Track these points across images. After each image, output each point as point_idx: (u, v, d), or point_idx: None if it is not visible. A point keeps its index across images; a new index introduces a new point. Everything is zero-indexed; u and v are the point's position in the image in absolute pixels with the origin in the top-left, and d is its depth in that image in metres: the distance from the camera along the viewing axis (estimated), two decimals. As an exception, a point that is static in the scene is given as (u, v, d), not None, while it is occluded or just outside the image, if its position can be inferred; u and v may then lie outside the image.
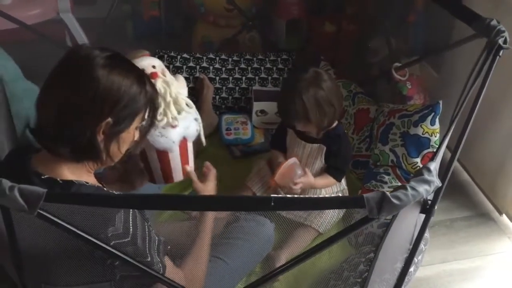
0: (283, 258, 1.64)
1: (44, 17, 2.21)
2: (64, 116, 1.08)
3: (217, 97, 2.27)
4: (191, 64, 2.24)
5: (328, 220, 1.72)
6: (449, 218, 1.97)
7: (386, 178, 1.83)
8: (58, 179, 1.09)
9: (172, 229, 1.51)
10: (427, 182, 0.98)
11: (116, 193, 1.15)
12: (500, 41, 1.39)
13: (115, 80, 1.09)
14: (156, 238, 1.15)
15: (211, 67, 2.26)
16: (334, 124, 1.72)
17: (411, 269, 1.54)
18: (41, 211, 0.92)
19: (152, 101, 1.19)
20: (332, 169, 1.72)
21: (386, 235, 1.09)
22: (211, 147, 2.11)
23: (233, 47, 2.51)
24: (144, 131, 1.24)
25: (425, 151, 1.78)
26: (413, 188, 0.96)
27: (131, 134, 1.17)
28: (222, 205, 0.99)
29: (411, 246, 1.38)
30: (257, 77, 2.29)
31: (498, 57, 1.38)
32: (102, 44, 1.16)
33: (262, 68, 2.30)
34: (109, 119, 1.09)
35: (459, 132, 1.33)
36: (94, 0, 2.75)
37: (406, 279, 1.45)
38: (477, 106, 1.34)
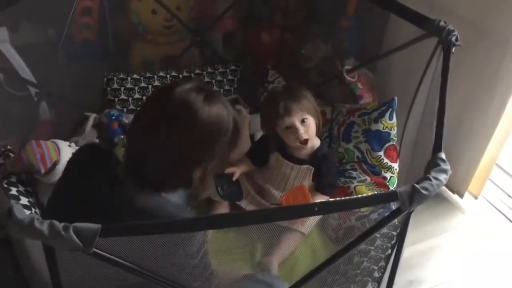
0: (275, 263, 1.69)
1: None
2: (167, 160, 1.14)
3: (173, 114, 2.28)
4: (142, 84, 2.22)
5: (311, 221, 1.79)
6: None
7: (354, 173, 1.95)
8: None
9: None
10: (445, 171, 1.09)
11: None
12: (453, 39, 1.56)
13: (213, 119, 1.14)
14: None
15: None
16: (318, 143, 1.81)
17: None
18: (96, 250, 0.90)
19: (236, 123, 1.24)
20: (325, 186, 1.80)
21: (407, 227, 1.18)
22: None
23: (173, 63, 2.52)
24: None
25: (387, 144, 1.93)
26: (436, 178, 1.07)
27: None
28: (270, 217, 1.02)
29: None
30: (209, 91, 2.33)
31: (451, 53, 1.56)
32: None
33: (213, 81, 2.34)
34: (210, 159, 1.15)
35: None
36: (16, 27, 2.61)
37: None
38: (446, 99, 1.48)
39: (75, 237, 0.88)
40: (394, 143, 1.93)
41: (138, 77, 2.24)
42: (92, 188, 1.15)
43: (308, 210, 1.01)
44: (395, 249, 1.46)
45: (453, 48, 1.56)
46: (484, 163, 2.06)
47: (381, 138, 1.93)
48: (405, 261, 1.88)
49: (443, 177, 1.08)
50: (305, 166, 1.78)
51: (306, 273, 1.70)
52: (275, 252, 1.72)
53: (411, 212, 1.41)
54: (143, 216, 1.09)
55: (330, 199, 1.02)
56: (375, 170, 1.93)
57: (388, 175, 1.91)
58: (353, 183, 1.92)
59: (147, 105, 1.19)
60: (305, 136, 1.72)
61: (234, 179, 1.81)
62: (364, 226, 1.69)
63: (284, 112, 1.69)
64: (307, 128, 1.72)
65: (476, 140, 2.02)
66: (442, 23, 1.62)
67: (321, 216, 1.82)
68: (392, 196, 1.03)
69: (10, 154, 1.81)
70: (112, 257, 0.93)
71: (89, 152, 1.25)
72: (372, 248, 1.59)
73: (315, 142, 1.80)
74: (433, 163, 1.11)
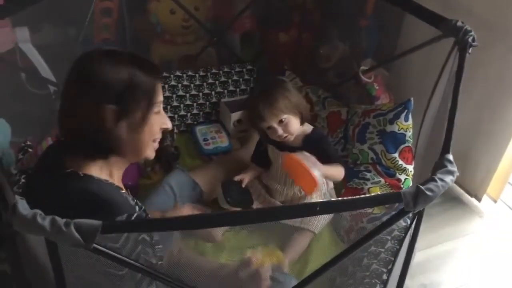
0: (286, 262, 1.69)
1: (1, 49, 2.12)
2: (80, 119, 1.16)
3: (189, 114, 2.29)
4: (159, 84, 2.24)
5: (322, 221, 1.79)
6: (427, 205, 2.11)
7: (368, 175, 1.93)
8: (80, 173, 1.15)
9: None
10: (451, 172, 1.07)
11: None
12: (470, 39, 1.53)
13: (105, 70, 1.14)
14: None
15: (179, 85, 2.27)
16: (310, 129, 1.81)
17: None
18: (96, 245, 0.92)
19: (152, 84, 1.21)
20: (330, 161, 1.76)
21: (418, 229, 1.17)
22: (189, 159, 2.17)
23: (191, 63, 2.53)
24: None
25: (402, 146, 1.90)
26: (441, 180, 1.04)
27: (145, 122, 1.20)
28: (269, 216, 1.02)
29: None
30: (225, 91, 2.34)
31: (468, 54, 1.53)
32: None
33: (230, 80, 2.35)
34: (113, 106, 1.13)
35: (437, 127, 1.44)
36: (39, 27, 2.67)
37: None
38: (458, 101, 1.45)
39: (75, 233, 0.89)
40: (410, 144, 1.90)
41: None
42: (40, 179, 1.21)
43: (308, 210, 1.00)
44: (406, 251, 1.45)
45: (470, 49, 1.53)
46: (504, 166, 2.02)
47: (396, 140, 1.90)
48: (420, 264, 1.86)
49: (449, 178, 1.05)
50: (298, 153, 1.77)
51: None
52: (286, 251, 1.72)
53: (422, 214, 1.40)
54: (87, 200, 1.11)
55: (332, 199, 1.00)
56: (390, 172, 1.90)
57: (402, 177, 1.88)
58: (366, 184, 1.90)
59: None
60: (284, 135, 1.74)
61: (243, 185, 1.82)
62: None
63: (260, 118, 1.72)
64: (286, 127, 1.73)
65: (495, 142, 1.98)
66: (459, 23, 1.59)
67: (332, 215, 1.83)
68: (396, 197, 1.01)
69: (29, 149, 1.86)
70: (112, 253, 0.94)
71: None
72: (383, 250, 1.57)
73: (305, 128, 1.80)
74: (440, 164, 1.09)
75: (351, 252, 1.09)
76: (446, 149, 1.15)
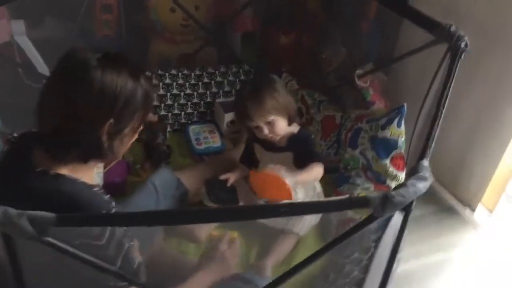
0: (269, 266, 1.66)
1: (-1, 41, 2.13)
2: (66, 123, 1.10)
3: (183, 113, 2.28)
4: (154, 81, 2.23)
5: (307, 223, 1.75)
6: (418, 214, 2.06)
7: (358, 180, 1.89)
8: (51, 172, 1.11)
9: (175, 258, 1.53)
10: (425, 178, 1.03)
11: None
12: (462, 45, 1.49)
13: (108, 80, 1.09)
14: (136, 260, 1.14)
15: (174, 83, 2.26)
16: (296, 129, 1.79)
17: (394, 265, 1.61)
18: (49, 238, 0.90)
19: (147, 96, 1.18)
20: (308, 161, 1.73)
21: (383, 235, 1.14)
22: (181, 158, 2.16)
23: (190, 62, 2.52)
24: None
25: (394, 152, 1.85)
26: (413, 185, 1.01)
27: (134, 130, 1.19)
28: (230, 216, 0.99)
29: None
30: (221, 91, 2.32)
31: (460, 60, 1.49)
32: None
33: (225, 81, 2.33)
34: (111, 120, 1.10)
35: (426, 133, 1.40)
36: (41, 22, 2.68)
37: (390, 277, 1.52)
38: (445, 107, 1.41)
39: (28, 225, 0.87)
40: (402, 151, 1.86)
41: (149, 74, 2.24)
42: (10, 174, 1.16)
43: (274, 211, 0.97)
44: (388, 258, 1.41)
45: (463, 55, 1.49)
46: (500, 175, 1.96)
47: (388, 146, 1.86)
48: (410, 274, 1.82)
49: (422, 185, 1.02)
50: (284, 153, 1.76)
51: (301, 278, 1.70)
52: (269, 254, 1.69)
53: (406, 221, 1.36)
54: (63, 203, 1.08)
55: (298, 201, 0.97)
56: (381, 178, 1.86)
57: (393, 184, 1.84)
58: (356, 190, 1.86)
59: (50, 75, 1.16)
60: (270, 135, 1.73)
61: (228, 184, 1.80)
62: (361, 236, 1.64)
63: (247, 117, 1.70)
64: (272, 128, 1.72)
65: (491, 149, 1.93)
66: (452, 28, 1.54)
67: (318, 220, 1.79)
68: (364, 201, 0.98)
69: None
70: (66, 247, 0.92)
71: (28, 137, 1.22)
72: (366, 257, 1.53)
73: (292, 129, 1.78)
74: (414, 170, 1.05)
75: (319, 255, 1.07)
76: (422, 155, 1.12)
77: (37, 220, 0.88)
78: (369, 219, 1.01)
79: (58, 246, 0.91)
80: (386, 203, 0.97)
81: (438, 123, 1.34)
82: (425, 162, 1.07)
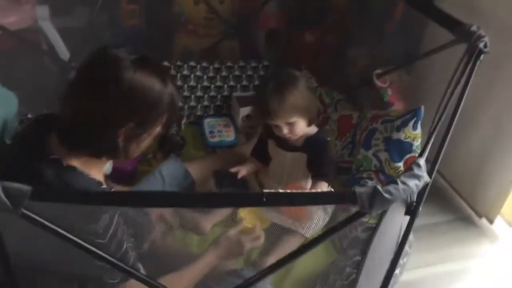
0: (270, 263, 1.62)
1: (20, 25, 2.17)
2: (88, 117, 1.10)
3: (199, 105, 2.27)
4: (172, 72, 2.23)
5: (314, 225, 1.71)
6: (432, 222, 1.99)
7: (369, 183, 1.84)
8: (63, 162, 1.10)
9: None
10: (417, 176, 0.98)
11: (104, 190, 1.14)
12: (481, 45, 1.42)
13: (137, 84, 1.09)
14: (132, 257, 1.14)
15: (192, 75, 2.25)
16: (314, 130, 1.74)
17: (397, 271, 1.55)
18: (25, 211, 0.89)
19: (173, 102, 1.18)
20: (320, 176, 1.71)
21: (374, 236, 1.10)
22: (194, 150, 2.15)
23: (213, 56, 2.51)
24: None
25: (407, 156, 1.80)
26: (403, 183, 0.96)
27: (152, 135, 1.19)
28: (215, 202, 0.97)
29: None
30: (238, 85, 2.30)
31: (479, 61, 1.42)
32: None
33: (244, 75, 2.31)
34: (132, 123, 1.11)
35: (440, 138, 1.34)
36: (70, 10, 2.72)
37: (391, 281, 1.46)
38: (459, 111, 1.35)
39: (3, 196, 0.87)
40: (416, 155, 1.79)
41: (168, 65, 2.24)
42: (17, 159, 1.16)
43: (255, 199, 0.94)
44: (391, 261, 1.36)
45: (481, 56, 1.42)
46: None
47: (402, 149, 1.80)
48: (416, 282, 1.75)
49: (413, 183, 0.97)
50: (299, 153, 1.73)
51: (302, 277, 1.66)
52: (272, 252, 1.66)
53: (411, 225, 1.31)
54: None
55: (281, 191, 0.94)
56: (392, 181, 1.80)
57: (405, 188, 1.77)
58: (366, 192, 1.80)
59: (81, 67, 1.15)
60: (289, 135, 1.69)
61: (239, 177, 1.77)
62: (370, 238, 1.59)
63: (269, 115, 1.66)
64: (293, 128, 1.67)
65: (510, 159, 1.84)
66: (473, 28, 1.48)
67: (326, 221, 1.75)
68: (350, 196, 0.93)
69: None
70: (42, 221, 0.91)
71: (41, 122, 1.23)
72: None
73: (310, 130, 1.74)
74: (408, 168, 1.01)
75: (304, 252, 1.03)
76: (421, 154, 1.07)
77: (12, 192, 0.87)
78: (356, 215, 0.97)
79: (34, 219, 0.90)
80: (374, 199, 0.93)
81: (451, 126, 1.29)
82: (421, 161, 1.02)
